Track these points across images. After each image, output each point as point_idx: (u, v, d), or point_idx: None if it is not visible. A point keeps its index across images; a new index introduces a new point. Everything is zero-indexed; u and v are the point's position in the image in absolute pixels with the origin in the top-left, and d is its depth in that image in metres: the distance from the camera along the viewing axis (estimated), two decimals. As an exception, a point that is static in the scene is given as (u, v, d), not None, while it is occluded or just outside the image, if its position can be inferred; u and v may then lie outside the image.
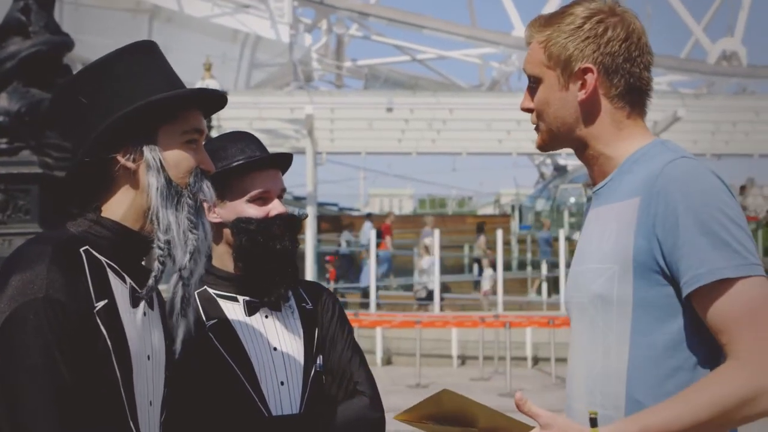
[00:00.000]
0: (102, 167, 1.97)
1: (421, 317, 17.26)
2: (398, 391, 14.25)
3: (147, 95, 1.96)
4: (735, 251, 1.87)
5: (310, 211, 24.46)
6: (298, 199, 31.78)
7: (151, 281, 1.97)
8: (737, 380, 1.84)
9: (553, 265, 22.13)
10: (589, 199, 2.24)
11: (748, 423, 1.90)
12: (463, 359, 17.84)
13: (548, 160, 35.89)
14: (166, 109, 1.99)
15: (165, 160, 1.98)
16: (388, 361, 18.38)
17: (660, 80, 35.05)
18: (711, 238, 1.87)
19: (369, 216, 26.07)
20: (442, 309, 21.03)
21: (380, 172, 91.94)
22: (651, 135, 2.11)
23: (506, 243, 24.94)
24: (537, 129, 2.15)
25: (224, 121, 20.09)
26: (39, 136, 6.24)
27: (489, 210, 43.80)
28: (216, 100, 2.12)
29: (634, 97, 2.09)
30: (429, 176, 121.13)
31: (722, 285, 1.86)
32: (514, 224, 29.98)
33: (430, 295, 21.09)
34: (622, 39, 2.05)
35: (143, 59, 2.02)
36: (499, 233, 22.25)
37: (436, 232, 21.39)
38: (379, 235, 25.11)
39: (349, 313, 18.55)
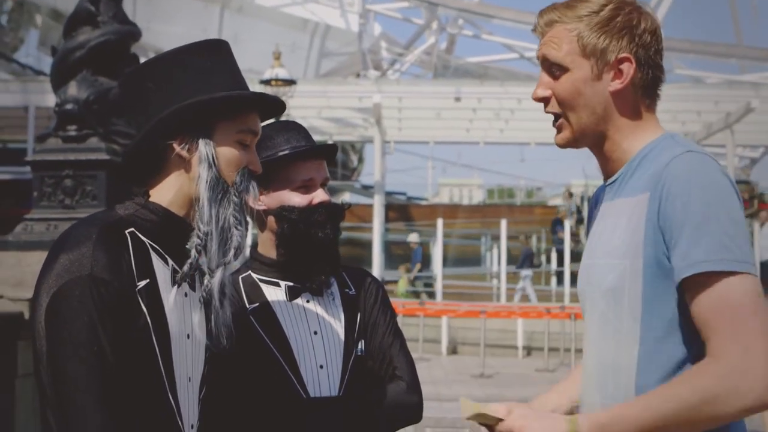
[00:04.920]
0: (157, 152, 2.06)
1: (487, 307, 17.22)
2: (462, 380, 14.26)
3: (211, 91, 2.04)
4: (723, 246, 1.85)
5: (378, 200, 24.52)
6: (366, 188, 31.89)
7: (186, 267, 2.05)
8: (707, 378, 1.83)
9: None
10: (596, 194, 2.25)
11: (723, 422, 1.87)
12: (529, 350, 17.77)
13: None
14: (227, 107, 2.07)
15: (217, 155, 2.05)
16: (453, 350, 18.39)
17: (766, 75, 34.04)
18: (701, 231, 1.86)
19: None
20: (507, 299, 20.98)
21: (448, 161, 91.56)
22: (661, 128, 2.11)
23: (574, 234, 24.75)
24: (560, 121, 2.12)
25: (293, 110, 20.22)
26: (106, 123, 6.35)
27: (558, 201, 43.43)
28: (274, 106, 2.19)
29: (653, 89, 2.10)
30: (497, 166, 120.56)
31: (706, 279, 1.86)
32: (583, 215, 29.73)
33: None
34: (652, 31, 2.07)
35: (213, 56, 2.09)
36: (567, 224, 22.08)
37: (503, 222, 21.29)
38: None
39: (414, 302, 18.56)
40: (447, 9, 33.28)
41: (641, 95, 2.08)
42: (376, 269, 21.66)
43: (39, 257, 5.96)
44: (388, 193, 30.30)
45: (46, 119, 23.41)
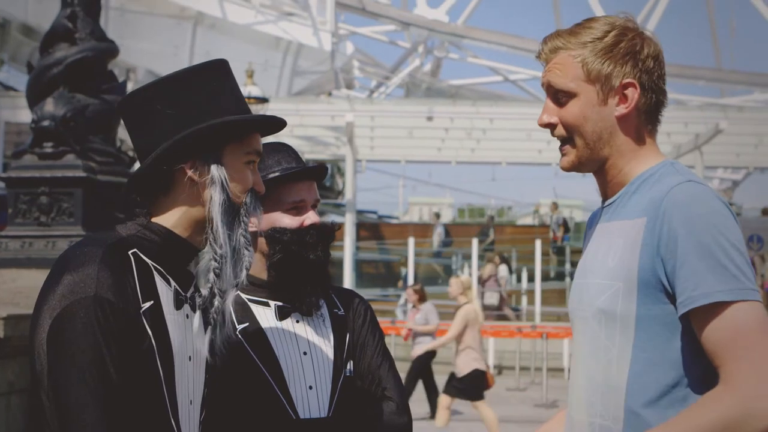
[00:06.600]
0: (165, 174, 2.04)
1: (458, 326, 17.20)
2: (434, 399, 14.24)
3: (220, 114, 2.04)
4: (732, 275, 1.90)
5: (349, 219, 24.53)
6: (338, 206, 31.88)
7: (206, 291, 2.05)
8: (724, 404, 1.86)
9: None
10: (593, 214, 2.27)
11: None
12: (500, 369, 17.81)
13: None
14: (237, 130, 2.07)
15: (228, 178, 2.05)
16: (424, 369, 18.35)
17: (748, 98, 34.29)
18: (709, 261, 1.90)
19: None
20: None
21: (420, 180, 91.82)
22: (662, 155, 2.14)
23: (545, 254, 24.87)
24: (567, 146, 2.14)
25: (265, 128, 20.19)
26: (83, 140, 6.34)
27: (528, 220, 43.63)
28: (276, 125, 2.18)
29: (656, 114, 2.13)
30: (468, 185, 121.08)
31: (717, 308, 1.89)
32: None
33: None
34: (654, 56, 2.10)
35: (218, 78, 2.09)
36: (538, 243, 22.19)
37: (474, 241, 21.33)
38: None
39: (385, 320, 18.54)
40: (429, 32, 33.50)
41: (644, 120, 2.11)
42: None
43: (14, 275, 5.94)
44: (360, 212, 30.32)
45: (15, 134, 23.27)
